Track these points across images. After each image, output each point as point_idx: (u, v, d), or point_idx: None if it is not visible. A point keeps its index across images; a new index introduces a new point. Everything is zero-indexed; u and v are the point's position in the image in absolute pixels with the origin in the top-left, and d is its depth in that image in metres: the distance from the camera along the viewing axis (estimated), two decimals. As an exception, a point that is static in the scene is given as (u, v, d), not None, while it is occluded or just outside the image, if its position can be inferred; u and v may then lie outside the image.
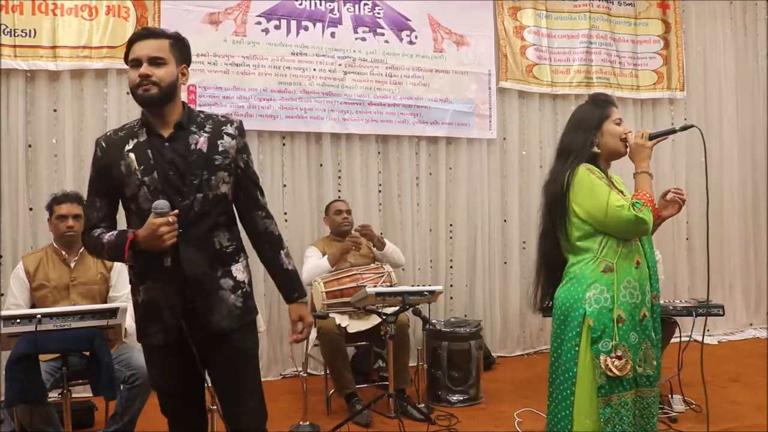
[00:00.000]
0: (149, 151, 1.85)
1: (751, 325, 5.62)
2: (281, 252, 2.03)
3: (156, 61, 1.84)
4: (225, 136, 1.93)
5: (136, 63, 1.85)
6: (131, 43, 1.89)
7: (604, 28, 5.25)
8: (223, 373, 1.93)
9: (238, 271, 1.95)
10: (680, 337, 3.45)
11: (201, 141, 1.89)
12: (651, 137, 2.13)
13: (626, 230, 2.05)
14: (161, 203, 1.78)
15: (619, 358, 2.02)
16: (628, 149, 2.15)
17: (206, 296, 1.87)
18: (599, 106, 2.19)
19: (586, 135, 2.16)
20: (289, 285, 2.05)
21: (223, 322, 1.89)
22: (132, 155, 1.85)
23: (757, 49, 5.74)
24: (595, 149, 2.15)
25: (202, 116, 1.96)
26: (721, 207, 5.52)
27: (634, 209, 2.01)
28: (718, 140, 5.54)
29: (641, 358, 2.08)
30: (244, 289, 1.96)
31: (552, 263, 2.24)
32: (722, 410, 3.52)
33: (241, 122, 2.00)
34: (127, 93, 4.09)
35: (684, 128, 2.21)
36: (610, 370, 2.01)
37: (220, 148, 1.90)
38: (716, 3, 5.63)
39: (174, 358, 1.88)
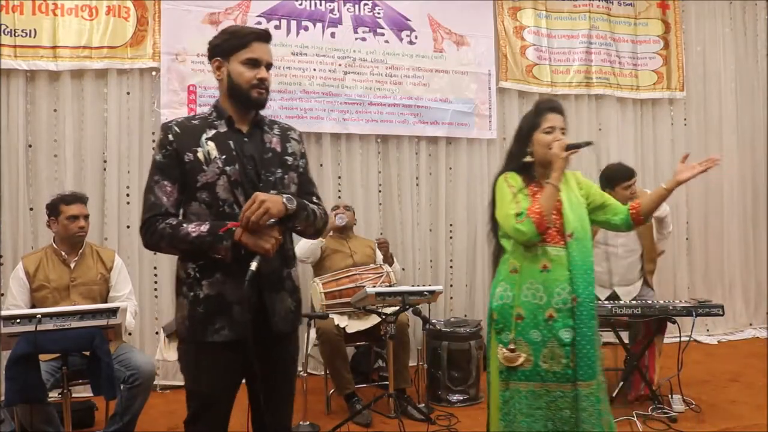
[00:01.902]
0: (231, 142, 1.85)
1: (750, 325, 5.61)
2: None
3: (269, 68, 1.88)
4: (291, 140, 1.98)
5: (255, 63, 1.84)
6: (247, 37, 1.84)
7: (604, 28, 5.25)
8: (274, 374, 1.91)
9: (295, 275, 1.97)
10: (680, 336, 3.46)
11: (275, 141, 1.93)
12: (568, 148, 2.17)
13: (513, 238, 2.20)
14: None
15: (512, 350, 2.18)
16: None
17: (273, 295, 1.87)
18: (535, 115, 2.28)
19: (518, 145, 2.30)
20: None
21: (280, 323, 1.88)
22: (212, 144, 1.83)
23: (757, 49, 5.74)
24: (528, 158, 2.26)
25: (267, 119, 1.99)
26: (721, 207, 5.53)
27: (515, 219, 2.14)
28: (718, 140, 5.54)
29: (546, 355, 2.17)
30: (298, 294, 1.98)
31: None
32: (722, 410, 3.53)
33: (300, 131, 2.05)
34: (128, 93, 4.16)
35: (588, 144, 2.21)
36: (501, 360, 2.20)
37: (290, 150, 1.95)
38: (716, 3, 5.63)
39: (232, 358, 1.82)
